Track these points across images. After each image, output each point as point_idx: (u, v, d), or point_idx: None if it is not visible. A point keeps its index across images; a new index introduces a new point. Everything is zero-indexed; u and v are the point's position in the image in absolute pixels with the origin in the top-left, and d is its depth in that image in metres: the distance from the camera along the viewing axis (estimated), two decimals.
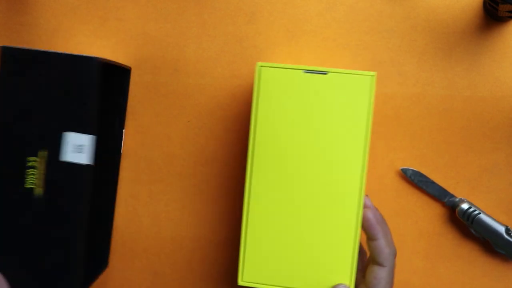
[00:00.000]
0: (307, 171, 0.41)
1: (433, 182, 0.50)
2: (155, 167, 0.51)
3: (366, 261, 0.45)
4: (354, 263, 0.41)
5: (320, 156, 0.41)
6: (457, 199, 0.50)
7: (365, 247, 0.50)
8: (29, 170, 0.43)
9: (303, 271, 0.41)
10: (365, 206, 0.42)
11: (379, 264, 0.41)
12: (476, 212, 0.49)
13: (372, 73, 0.40)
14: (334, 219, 0.41)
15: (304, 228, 0.41)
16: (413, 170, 0.50)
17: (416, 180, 0.50)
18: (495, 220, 0.49)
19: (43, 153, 0.43)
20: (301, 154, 0.41)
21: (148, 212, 0.52)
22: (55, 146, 0.42)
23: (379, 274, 0.41)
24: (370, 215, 0.41)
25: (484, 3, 0.48)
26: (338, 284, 0.41)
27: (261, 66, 0.41)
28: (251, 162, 0.41)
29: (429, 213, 0.51)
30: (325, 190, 0.41)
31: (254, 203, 0.41)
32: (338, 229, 0.41)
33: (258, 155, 0.41)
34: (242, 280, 0.41)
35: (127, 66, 0.49)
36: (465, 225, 0.51)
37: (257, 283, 0.42)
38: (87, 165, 0.43)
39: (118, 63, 0.47)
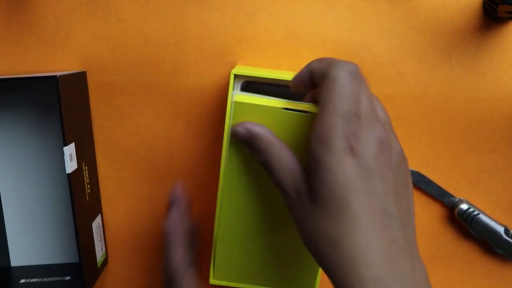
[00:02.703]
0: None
1: (432, 182, 0.50)
2: (155, 167, 0.52)
3: None
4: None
5: None
6: (456, 199, 0.50)
7: None
8: None
9: (271, 271, 0.43)
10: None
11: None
12: (475, 212, 0.49)
13: None
14: None
15: (272, 231, 0.42)
16: (412, 170, 0.50)
17: (415, 180, 0.50)
18: (494, 220, 0.49)
19: None
20: None
21: (149, 211, 0.52)
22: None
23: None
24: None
25: (484, 4, 0.48)
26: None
27: (236, 101, 0.37)
28: (222, 169, 0.41)
29: (428, 213, 0.51)
30: None
31: (225, 207, 0.42)
32: None
33: (230, 164, 0.41)
34: (213, 279, 0.43)
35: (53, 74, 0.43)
36: (464, 225, 0.51)
37: (227, 282, 0.43)
38: None
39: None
